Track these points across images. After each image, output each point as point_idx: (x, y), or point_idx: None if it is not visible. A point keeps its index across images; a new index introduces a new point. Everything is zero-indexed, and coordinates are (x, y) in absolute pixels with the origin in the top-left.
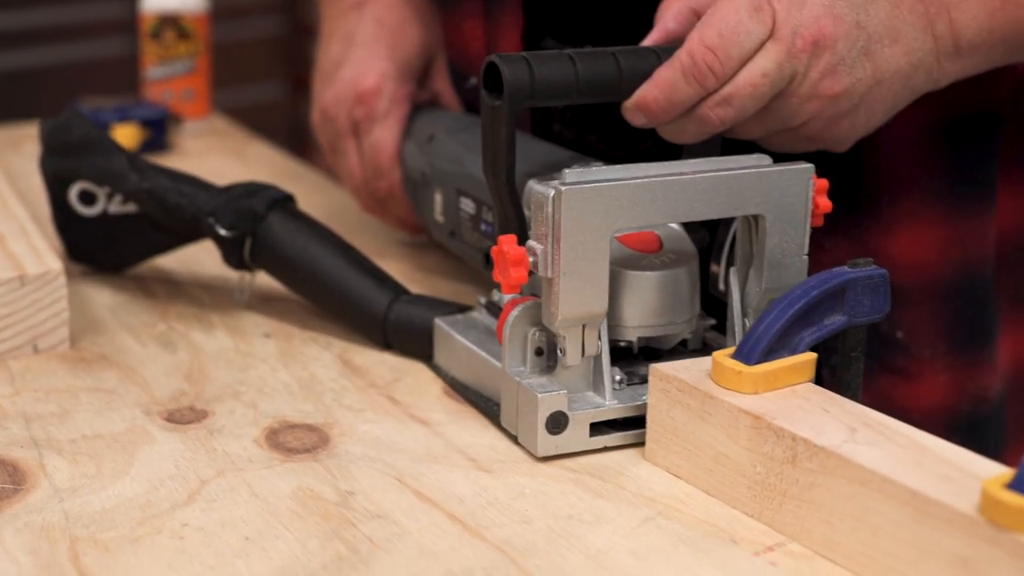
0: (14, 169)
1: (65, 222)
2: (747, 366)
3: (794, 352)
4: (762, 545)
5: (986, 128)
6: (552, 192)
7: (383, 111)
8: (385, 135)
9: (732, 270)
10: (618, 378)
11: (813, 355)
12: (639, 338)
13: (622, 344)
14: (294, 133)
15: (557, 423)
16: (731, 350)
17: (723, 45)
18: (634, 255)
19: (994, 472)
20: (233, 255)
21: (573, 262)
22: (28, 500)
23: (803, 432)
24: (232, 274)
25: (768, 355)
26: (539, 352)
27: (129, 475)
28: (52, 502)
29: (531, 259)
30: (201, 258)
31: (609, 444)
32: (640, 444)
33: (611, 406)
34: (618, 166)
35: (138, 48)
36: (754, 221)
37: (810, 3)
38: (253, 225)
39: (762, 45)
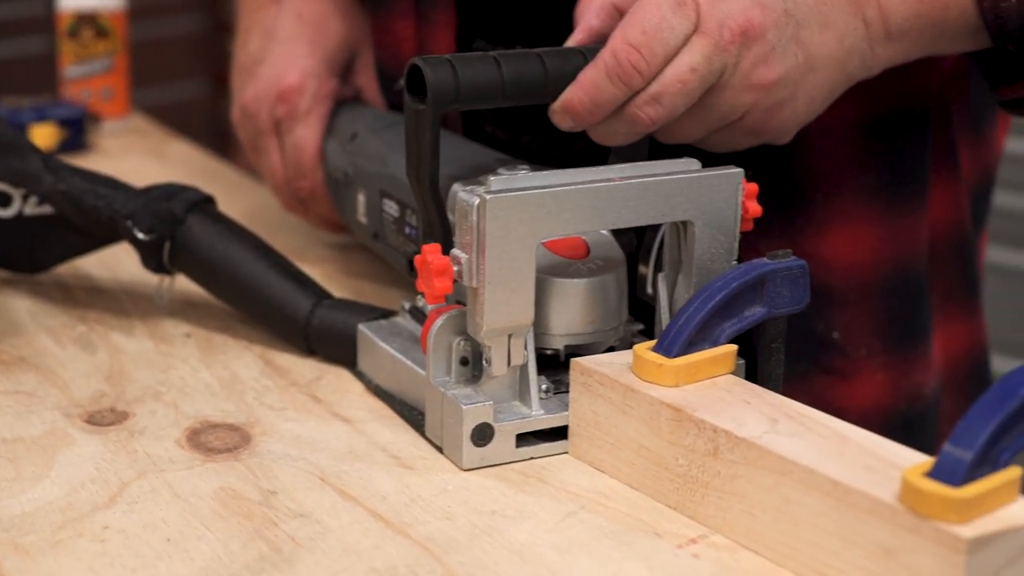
0: None
1: None
2: (668, 359)
3: (715, 344)
4: (685, 537)
5: (916, 125)
6: (477, 200)
7: (305, 109)
8: (307, 133)
9: (660, 275)
10: (544, 387)
11: (734, 347)
12: (566, 346)
13: (549, 352)
14: (214, 132)
15: (483, 435)
16: (652, 343)
17: (647, 42)
18: (561, 262)
19: (914, 461)
20: (152, 259)
21: (498, 272)
22: None
23: (724, 424)
24: (152, 275)
25: (689, 347)
26: (464, 362)
27: (49, 478)
28: None
29: (455, 268)
30: (120, 258)
31: (536, 455)
32: (566, 454)
33: (537, 416)
34: (544, 172)
35: (56, 47)
36: (683, 226)
37: (771, 41)
38: (172, 228)
39: (687, 40)
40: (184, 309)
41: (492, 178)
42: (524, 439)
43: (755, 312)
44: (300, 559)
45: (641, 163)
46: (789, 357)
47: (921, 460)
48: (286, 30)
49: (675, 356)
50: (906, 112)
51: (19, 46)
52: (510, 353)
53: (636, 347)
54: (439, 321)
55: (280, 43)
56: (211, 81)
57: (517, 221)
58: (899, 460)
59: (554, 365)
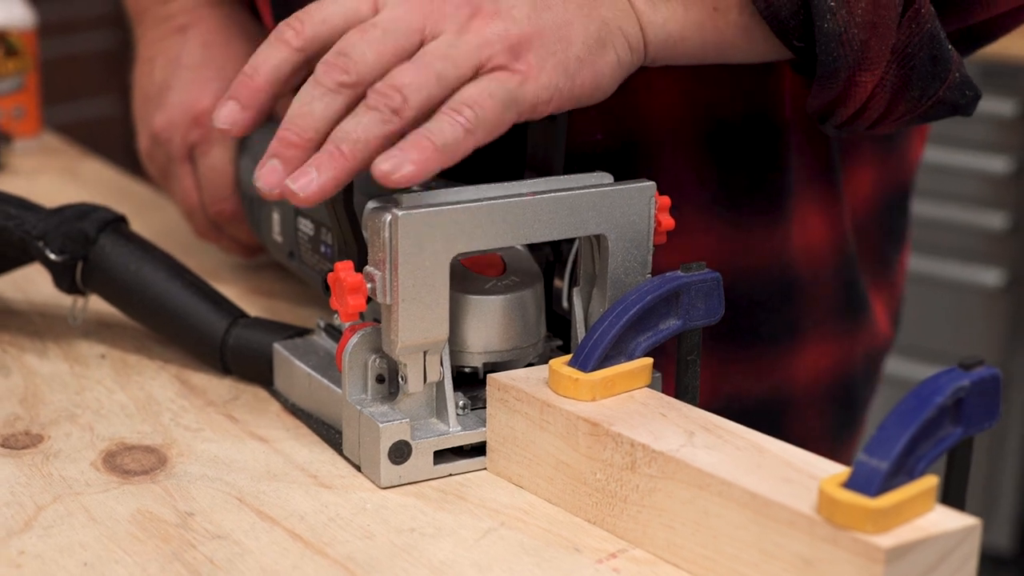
0: None
1: None
2: (584, 373)
3: (631, 358)
4: (605, 552)
5: (767, 135)
6: (389, 217)
7: (220, 133)
8: (224, 155)
9: (576, 290)
10: (462, 404)
11: (649, 360)
12: (484, 363)
13: (467, 370)
14: (128, 149)
15: (400, 452)
16: (567, 357)
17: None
18: (477, 279)
19: (831, 471)
20: (64, 279)
21: (412, 288)
22: None
23: (641, 437)
24: (65, 296)
25: (604, 361)
26: (380, 379)
27: None
28: None
29: (369, 286)
30: (33, 279)
31: (455, 471)
32: (485, 470)
33: (455, 433)
34: (456, 188)
35: None
36: (596, 240)
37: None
38: (84, 248)
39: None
40: (99, 330)
41: (403, 195)
42: (442, 456)
43: (670, 325)
44: None
45: (553, 177)
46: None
47: (838, 471)
48: (193, 57)
49: (591, 370)
50: (755, 119)
51: None
52: (426, 370)
53: (552, 362)
54: (354, 339)
55: (188, 69)
56: (123, 98)
57: (429, 237)
58: (816, 471)
59: (472, 381)
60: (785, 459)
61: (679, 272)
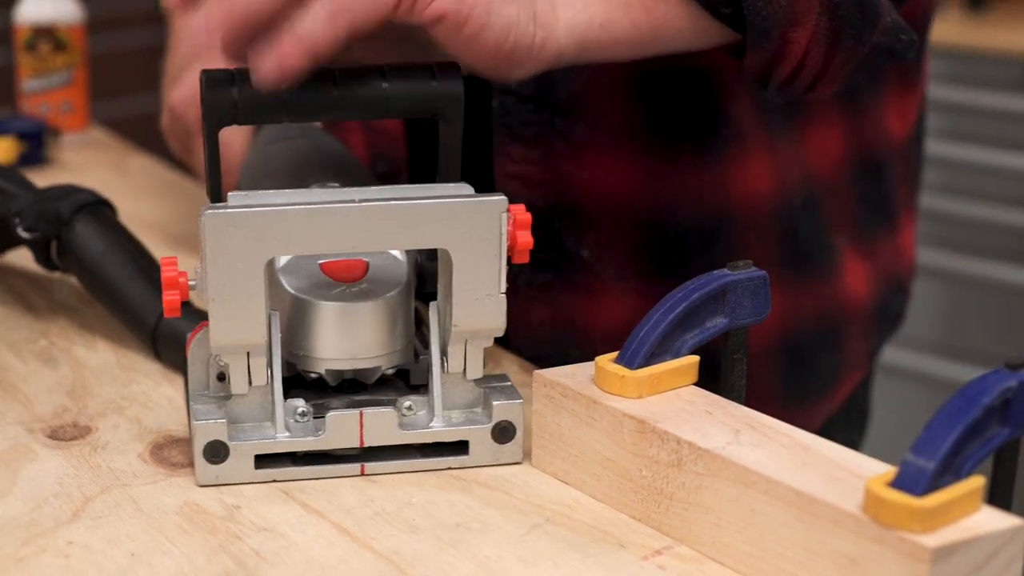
0: None
1: None
2: (630, 370)
3: (677, 355)
4: (650, 549)
5: (691, 87)
6: (202, 217)
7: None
8: (234, 131)
9: (433, 304)
10: (301, 410)
11: (695, 358)
12: (328, 371)
13: (313, 376)
14: None
15: (216, 452)
16: (614, 355)
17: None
18: (326, 283)
19: (877, 471)
20: (40, 256)
21: (222, 288)
22: None
23: (687, 435)
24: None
25: (651, 359)
26: (221, 377)
27: (12, 494)
28: None
29: (191, 283)
30: None
31: (279, 478)
32: (317, 478)
33: (280, 439)
34: (296, 191)
35: (13, 60)
36: (444, 254)
37: None
38: (56, 228)
39: None
40: (133, 328)
41: (239, 194)
42: (270, 460)
43: (717, 323)
44: (264, 573)
45: (406, 186)
46: (535, 268)
47: (884, 469)
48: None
49: (637, 368)
50: (689, 70)
51: None
52: (250, 372)
53: (598, 359)
54: (199, 335)
55: (208, 48)
56: None
57: (240, 238)
58: (862, 470)
59: (326, 388)
60: (831, 457)
61: (726, 270)
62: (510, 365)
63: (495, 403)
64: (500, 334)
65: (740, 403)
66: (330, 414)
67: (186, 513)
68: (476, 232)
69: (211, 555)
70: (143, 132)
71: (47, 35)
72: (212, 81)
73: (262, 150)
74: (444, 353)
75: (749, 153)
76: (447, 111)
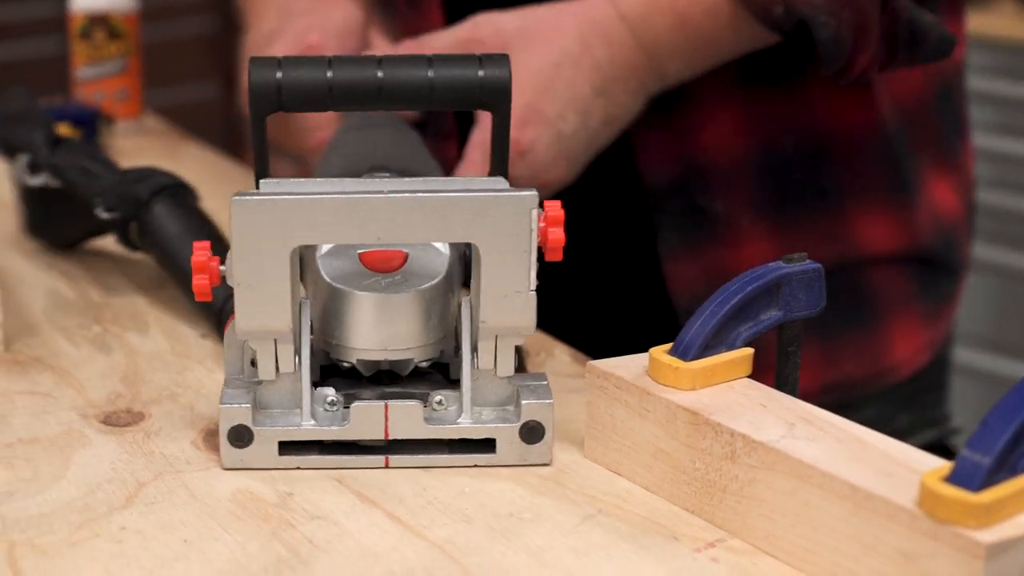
0: None
1: (19, 193)
2: (684, 362)
3: (731, 348)
4: (703, 541)
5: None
6: (232, 203)
7: None
8: (322, 117)
9: (465, 299)
10: (331, 399)
11: (750, 350)
12: (359, 361)
13: (346, 365)
14: (227, 132)
15: (240, 436)
16: (668, 346)
17: None
18: (362, 273)
19: (932, 465)
20: (121, 237)
21: (247, 274)
22: None
23: (741, 428)
24: (164, 277)
25: (705, 351)
26: (254, 363)
27: (66, 478)
28: None
29: (222, 268)
30: (135, 259)
31: (303, 465)
32: (340, 468)
33: (305, 427)
34: (328, 180)
35: (68, 48)
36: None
37: (543, 154)
38: (135, 210)
39: None
40: (200, 310)
41: (264, 180)
42: (295, 448)
43: (771, 316)
44: (317, 561)
45: (442, 179)
46: (681, 231)
47: (939, 464)
48: (302, 6)
49: (691, 359)
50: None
51: (32, 47)
52: (278, 359)
53: (652, 350)
54: (234, 320)
55: (297, 17)
56: (223, 82)
57: (265, 226)
58: (917, 465)
59: (359, 378)
60: (886, 452)
61: (780, 263)
62: (562, 355)
63: (524, 402)
64: (530, 332)
65: (794, 396)
66: (355, 404)
67: (239, 500)
68: (505, 227)
69: (264, 542)
70: (196, 120)
71: (102, 23)
72: (258, 68)
73: (339, 136)
74: (475, 349)
75: (835, 88)
76: (493, 102)
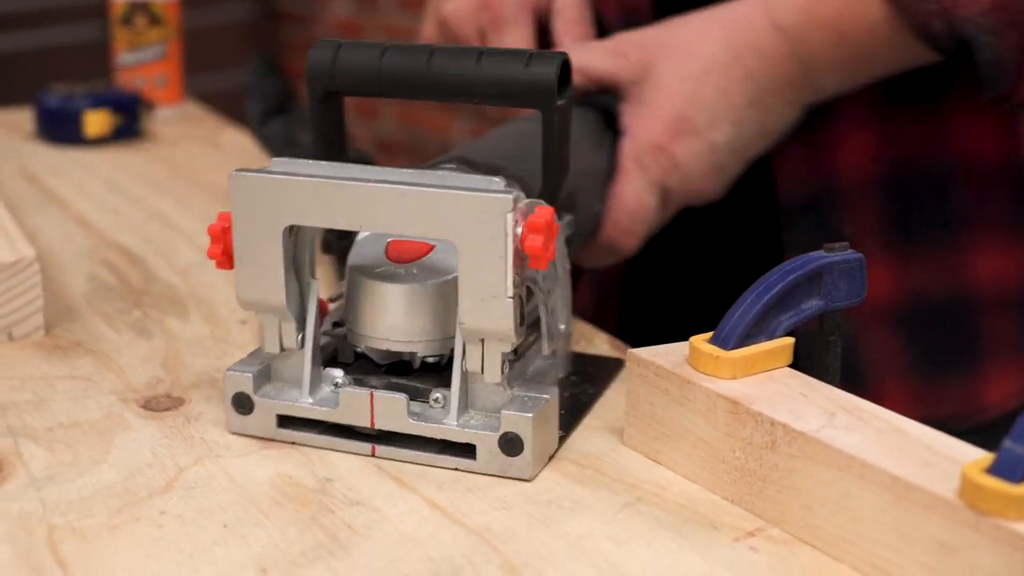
0: None
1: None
2: (724, 351)
3: (771, 337)
4: (742, 530)
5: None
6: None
7: (511, 16)
8: (518, 35)
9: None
10: (337, 381)
11: (790, 340)
12: (368, 348)
13: (358, 349)
14: None
15: (242, 404)
16: (708, 335)
17: (632, 226)
18: (378, 262)
19: (974, 456)
20: None
21: (244, 248)
22: (4, 489)
23: (781, 417)
24: (207, 261)
25: (745, 340)
26: None
27: (106, 463)
28: (29, 491)
29: None
30: (175, 244)
31: (297, 441)
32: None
33: (300, 404)
34: (337, 164)
35: (109, 34)
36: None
37: (696, 165)
38: None
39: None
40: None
41: (274, 159)
42: (294, 423)
43: (812, 305)
44: (356, 546)
45: (446, 173)
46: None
47: (980, 455)
48: None
49: (732, 348)
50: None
51: (73, 33)
52: (281, 336)
53: (693, 339)
54: None
55: None
56: None
57: (259, 202)
58: (958, 455)
59: (373, 364)
60: (926, 443)
61: (822, 252)
62: (601, 344)
63: (504, 412)
64: (512, 340)
65: (835, 386)
66: (343, 389)
67: (278, 485)
68: (481, 229)
69: (303, 528)
70: (236, 106)
71: (142, 9)
72: (318, 49)
73: (511, 122)
74: (464, 354)
75: (976, 114)
76: (537, 101)
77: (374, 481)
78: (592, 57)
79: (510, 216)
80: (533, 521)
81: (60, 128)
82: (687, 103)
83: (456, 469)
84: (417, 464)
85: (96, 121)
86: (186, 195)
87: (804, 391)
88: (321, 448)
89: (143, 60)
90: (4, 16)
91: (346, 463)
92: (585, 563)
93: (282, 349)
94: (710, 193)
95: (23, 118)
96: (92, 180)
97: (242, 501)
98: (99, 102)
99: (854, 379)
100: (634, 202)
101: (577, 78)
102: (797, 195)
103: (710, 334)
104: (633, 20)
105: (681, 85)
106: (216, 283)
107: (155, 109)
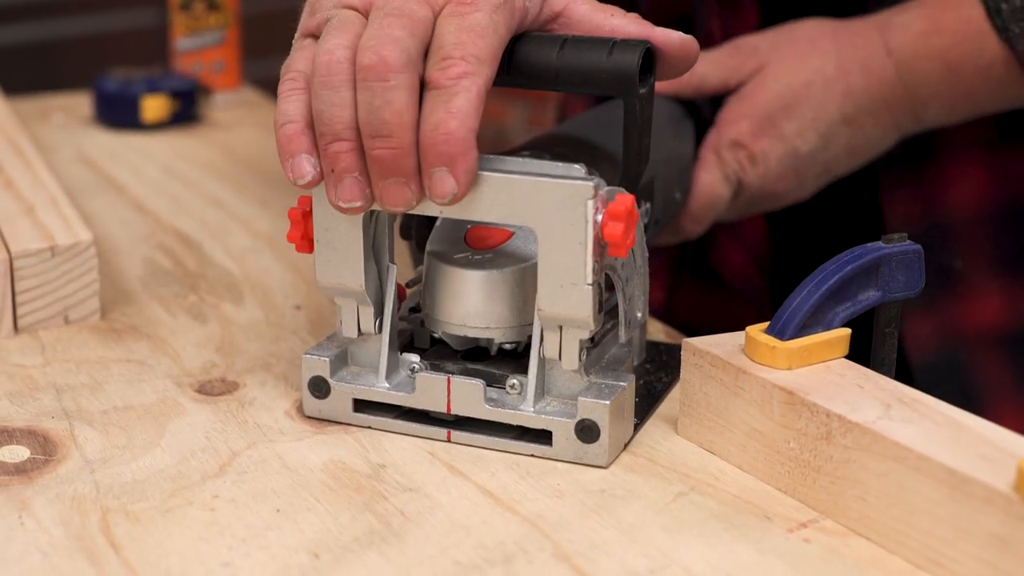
0: (43, 140)
1: None
2: (781, 341)
3: (828, 328)
4: (796, 522)
5: None
6: None
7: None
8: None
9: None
10: (414, 365)
11: (847, 331)
12: (444, 333)
13: (435, 335)
14: None
15: (318, 388)
16: (764, 325)
17: (701, 213)
18: (457, 248)
19: None
20: None
21: (324, 232)
22: (59, 471)
23: (837, 408)
24: (262, 247)
25: (802, 330)
26: None
27: (160, 446)
28: (83, 473)
29: None
30: (231, 229)
31: (374, 425)
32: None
33: (378, 388)
34: None
35: (168, 19)
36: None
37: (775, 167)
38: None
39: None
40: (293, 279)
41: None
42: (370, 408)
43: (869, 296)
44: (409, 533)
45: (521, 159)
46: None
47: None
48: None
49: (788, 339)
50: None
51: (131, 18)
52: (359, 320)
53: (749, 329)
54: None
55: None
56: None
57: None
58: (1015, 448)
59: (450, 350)
60: (983, 436)
61: (880, 243)
62: (657, 334)
63: (580, 399)
64: (590, 327)
65: (890, 377)
66: (419, 374)
67: (331, 471)
68: (561, 215)
69: (356, 513)
70: None
71: None
72: None
73: (599, 107)
74: (542, 341)
75: None
76: (619, 89)
77: (427, 468)
78: (705, 74)
79: (591, 203)
80: (586, 509)
81: (118, 113)
82: (780, 109)
83: (532, 456)
84: (493, 450)
85: (154, 106)
86: (242, 181)
87: (860, 382)
88: (397, 433)
89: (201, 46)
90: (63, 1)
91: (399, 449)
92: (637, 552)
93: (360, 333)
94: (786, 197)
95: (81, 103)
96: (149, 165)
97: (295, 486)
98: (157, 87)
99: (969, 402)
100: (707, 191)
101: (690, 93)
102: (905, 232)
103: (766, 324)
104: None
105: (780, 90)
106: (271, 268)
107: (212, 94)
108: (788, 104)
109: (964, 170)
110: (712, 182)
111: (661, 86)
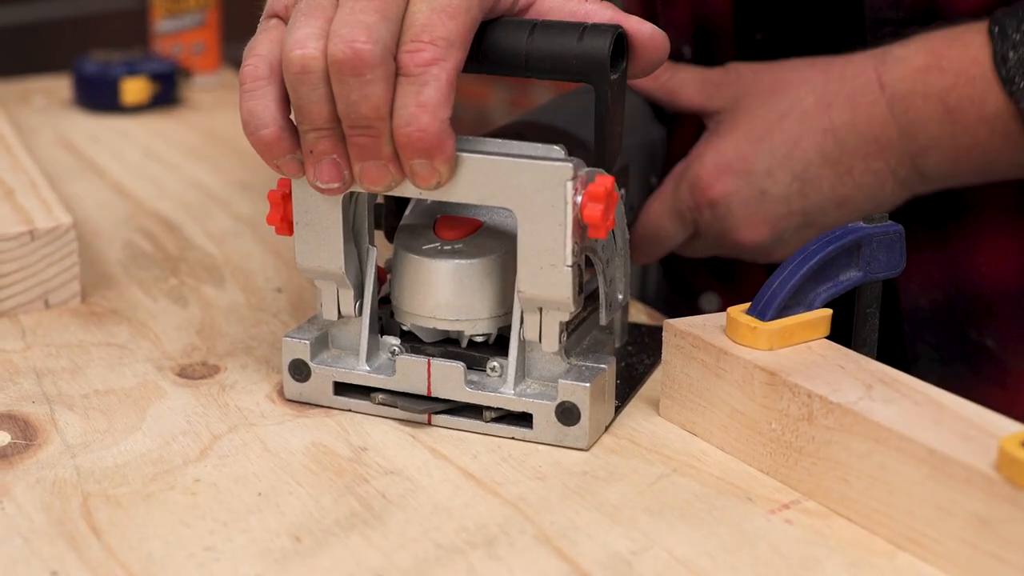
0: (23, 123)
1: None
2: (762, 322)
3: (809, 308)
4: (777, 503)
5: None
6: None
7: None
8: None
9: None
10: (394, 348)
11: (828, 311)
12: (412, 325)
13: (405, 328)
14: None
15: (299, 371)
16: (746, 306)
17: (643, 243)
18: (424, 238)
19: (1012, 430)
20: None
21: (303, 214)
22: (40, 456)
23: (818, 389)
24: (243, 229)
25: (783, 311)
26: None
27: (141, 430)
28: (64, 458)
29: None
30: (211, 211)
31: (354, 408)
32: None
33: (358, 371)
34: None
35: (147, 1)
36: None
37: (738, 210)
38: None
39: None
40: (274, 262)
41: None
42: (350, 390)
43: (850, 277)
44: (391, 515)
45: (501, 141)
46: (943, 361)
47: (1018, 429)
48: None
49: (769, 319)
50: None
51: (111, 0)
52: (339, 303)
53: (730, 310)
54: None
55: None
56: None
57: None
58: (996, 429)
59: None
60: (964, 416)
61: (861, 223)
62: (638, 315)
63: (561, 382)
64: (570, 308)
65: (872, 358)
66: (400, 357)
67: (313, 454)
68: (540, 197)
69: (337, 496)
70: None
71: None
72: None
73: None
74: (522, 324)
75: None
76: (589, 74)
77: (409, 451)
78: (684, 83)
79: (570, 184)
80: (568, 492)
81: (97, 95)
82: (750, 144)
83: (512, 438)
84: (474, 433)
85: (134, 89)
86: (223, 163)
87: (841, 363)
88: (376, 416)
89: (181, 27)
90: None
91: (380, 432)
92: (619, 534)
93: (340, 316)
94: (756, 244)
95: (61, 85)
96: (129, 148)
97: (276, 470)
98: (137, 69)
99: None
100: (653, 222)
101: (663, 97)
102: (925, 305)
103: (747, 304)
104: (710, 29)
105: (751, 122)
106: (252, 251)
107: (193, 77)
108: (759, 138)
109: (997, 235)
110: (660, 213)
111: (635, 84)
